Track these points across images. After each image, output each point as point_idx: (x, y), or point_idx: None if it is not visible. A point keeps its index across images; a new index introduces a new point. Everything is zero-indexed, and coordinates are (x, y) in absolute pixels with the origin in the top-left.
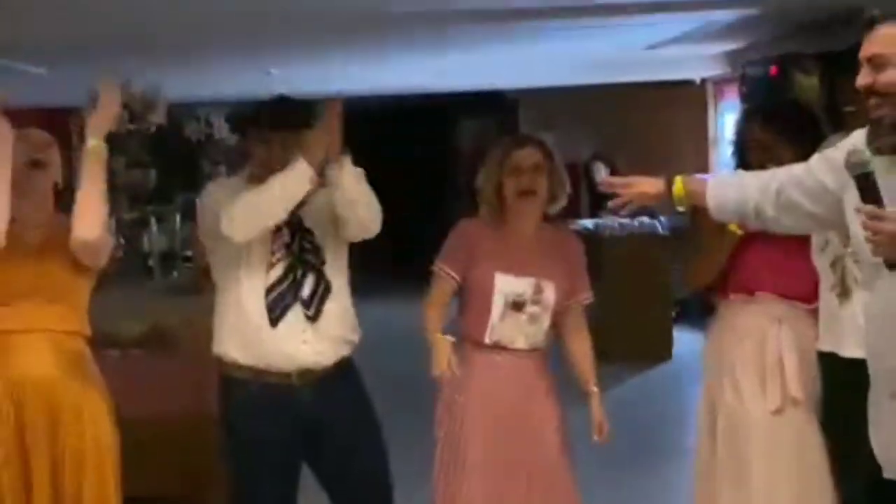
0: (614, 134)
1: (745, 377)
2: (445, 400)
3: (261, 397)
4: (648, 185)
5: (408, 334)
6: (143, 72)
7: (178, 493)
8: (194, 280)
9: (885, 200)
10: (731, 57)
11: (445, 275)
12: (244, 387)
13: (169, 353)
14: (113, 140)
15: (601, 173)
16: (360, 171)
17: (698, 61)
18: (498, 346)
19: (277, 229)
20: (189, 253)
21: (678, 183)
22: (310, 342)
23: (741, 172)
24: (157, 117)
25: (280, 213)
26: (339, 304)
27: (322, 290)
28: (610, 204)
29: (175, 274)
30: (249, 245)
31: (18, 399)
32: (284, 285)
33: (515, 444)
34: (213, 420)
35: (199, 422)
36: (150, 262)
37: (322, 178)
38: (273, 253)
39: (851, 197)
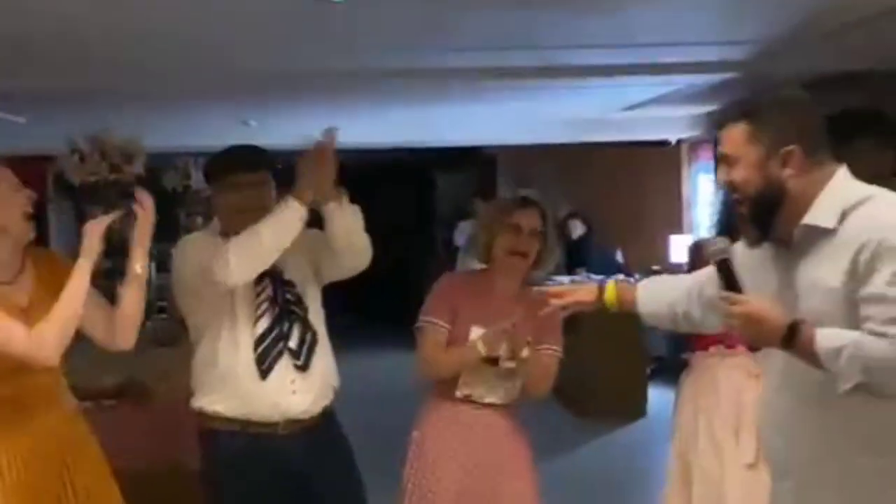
0: (591, 192)
1: (722, 429)
2: (414, 452)
3: (247, 449)
4: (583, 294)
5: (379, 387)
6: (122, 122)
7: None
8: (169, 331)
9: (755, 288)
10: (705, 118)
11: (435, 325)
12: (230, 439)
13: (143, 405)
14: (91, 189)
15: (577, 231)
16: (356, 207)
17: (674, 122)
18: (468, 400)
19: (259, 281)
20: (164, 304)
21: (609, 291)
22: (299, 392)
23: (666, 278)
24: (136, 167)
25: (274, 254)
26: (324, 352)
27: (310, 340)
28: (541, 314)
29: (149, 325)
30: (233, 300)
31: (60, 457)
32: (272, 337)
33: (483, 499)
34: (187, 471)
35: (173, 473)
36: None
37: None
38: (258, 307)
39: (758, 282)
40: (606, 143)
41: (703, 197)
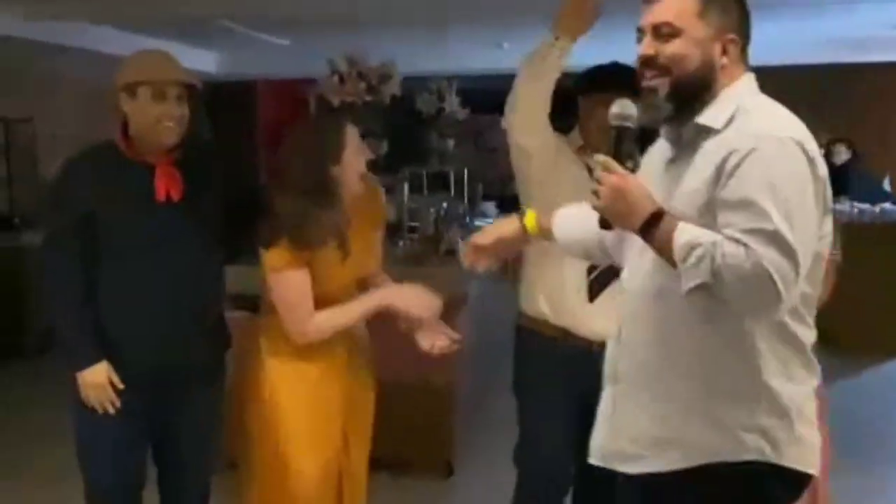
0: (855, 116)
1: None
2: None
3: (564, 357)
4: (505, 227)
5: None
6: (378, 45)
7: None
8: (418, 252)
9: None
10: None
11: None
12: (550, 342)
13: (390, 320)
14: (350, 109)
15: (842, 156)
16: None
17: None
18: None
19: None
20: (414, 224)
21: (529, 217)
22: None
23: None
24: (392, 89)
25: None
26: None
27: None
28: (472, 268)
29: (400, 244)
30: None
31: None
32: (605, 265)
33: None
34: (433, 388)
35: (419, 389)
36: None
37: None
38: None
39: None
40: (872, 63)
41: None
